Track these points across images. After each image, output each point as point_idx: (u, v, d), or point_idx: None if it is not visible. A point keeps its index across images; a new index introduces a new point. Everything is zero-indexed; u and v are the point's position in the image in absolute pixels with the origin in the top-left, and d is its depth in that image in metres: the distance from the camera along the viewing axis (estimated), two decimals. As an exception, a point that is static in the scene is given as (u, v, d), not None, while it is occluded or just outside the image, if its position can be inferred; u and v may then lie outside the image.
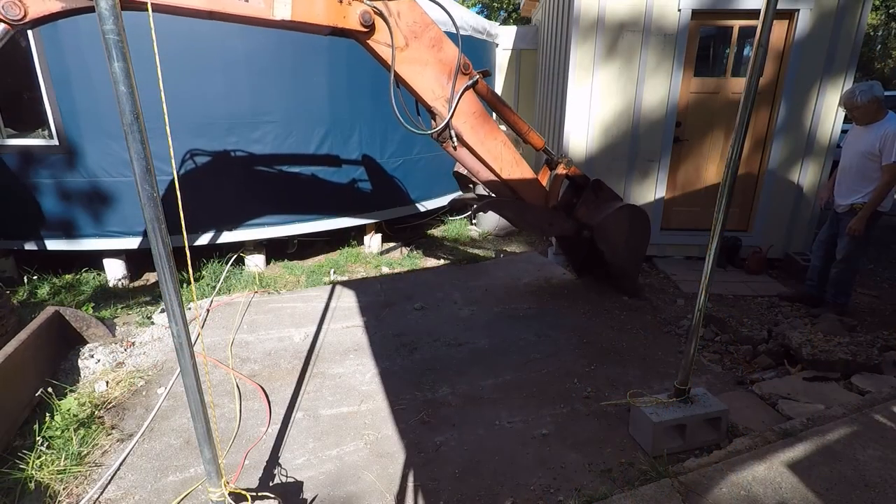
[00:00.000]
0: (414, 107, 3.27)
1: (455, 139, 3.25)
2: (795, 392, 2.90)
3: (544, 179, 3.92)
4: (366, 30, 2.78)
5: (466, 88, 3.15)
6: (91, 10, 2.18)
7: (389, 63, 2.88)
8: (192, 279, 2.46)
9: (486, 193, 3.93)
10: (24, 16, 2.13)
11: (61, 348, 3.31)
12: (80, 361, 3.25)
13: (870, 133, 3.58)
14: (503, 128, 4.89)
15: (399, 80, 3.03)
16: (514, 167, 3.57)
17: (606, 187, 4.14)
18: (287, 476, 2.39)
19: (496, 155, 3.45)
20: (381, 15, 2.79)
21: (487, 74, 3.27)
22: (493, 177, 3.58)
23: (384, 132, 5.48)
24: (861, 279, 4.78)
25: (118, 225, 4.59)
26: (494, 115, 3.71)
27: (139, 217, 4.46)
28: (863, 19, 4.44)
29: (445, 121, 3.13)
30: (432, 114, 3.21)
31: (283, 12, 2.51)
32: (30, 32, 4.04)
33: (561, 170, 3.87)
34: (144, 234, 4.56)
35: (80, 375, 3.17)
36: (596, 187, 4.07)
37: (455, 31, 3.06)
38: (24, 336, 2.84)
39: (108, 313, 4.09)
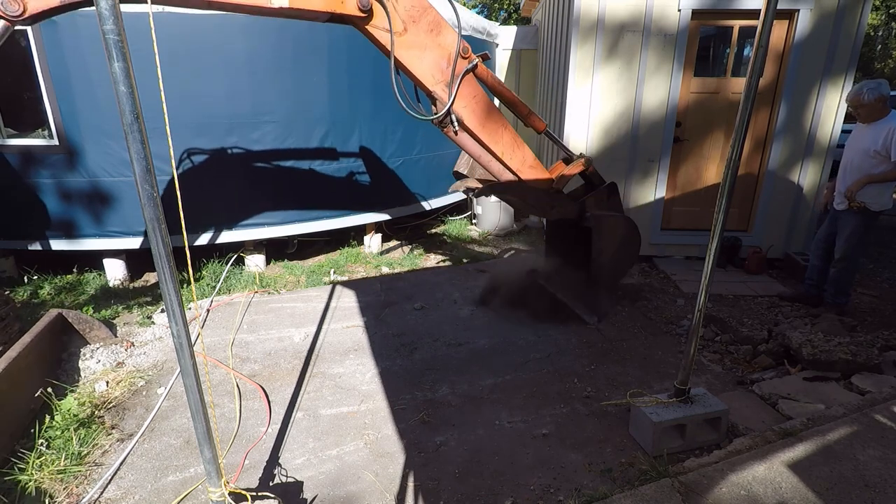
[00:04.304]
0: (414, 92, 3.22)
1: (456, 124, 3.20)
2: (795, 392, 2.90)
3: (556, 174, 3.80)
4: (364, 15, 2.75)
5: (466, 72, 3.11)
6: (88, 3, 2.17)
7: (389, 49, 2.85)
8: (192, 279, 2.47)
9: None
10: (24, 11, 2.11)
11: (63, 350, 3.30)
12: (80, 362, 3.25)
13: (873, 130, 3.60)
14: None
15: (399, 66, 2.99)
16: (515, 150, 3.51)
17: (619, 196, 4.05)
18: (287, 476, 2.39)
19: (497, 138, 3.40)
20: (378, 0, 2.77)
21: (487, 58, 3.22)
22: (494, 161, 3.51)
23: (384, 132, 5.48)
24: (861, 279, 4.78)
25: (118, 225, 4.59)
26: (496, 100, 3.61)
27: (139, 217, 4.46)
28: (863, 19, 4.44)
29: (447, 106, 3.08)
30: (433, 99, 3.17)
31: (280, 0, 2.49)
32: (30, 33, 4.05)
33: (578, 166, 3.75)
34: (144, 234, 4.56)
35: (80, 376, 3.17)
36: (612, 190, 3.97)
37: (455, 18, 3.00)
38: (27, 340, 2.83)
39: (108, 313, 4.09)
